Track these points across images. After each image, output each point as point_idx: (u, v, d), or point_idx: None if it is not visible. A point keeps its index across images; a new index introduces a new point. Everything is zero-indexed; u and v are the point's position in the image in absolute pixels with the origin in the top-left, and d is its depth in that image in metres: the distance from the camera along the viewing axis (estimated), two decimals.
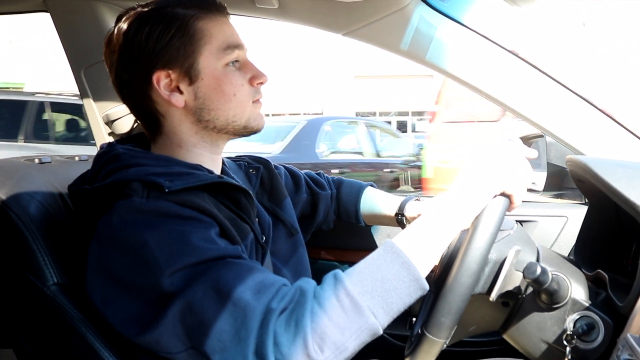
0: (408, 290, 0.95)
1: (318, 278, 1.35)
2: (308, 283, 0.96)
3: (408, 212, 1.47)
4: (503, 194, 1.02)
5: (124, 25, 1.10)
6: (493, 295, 1.04)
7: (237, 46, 1.13)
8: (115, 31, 1.11)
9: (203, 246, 0.96)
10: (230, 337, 0.90)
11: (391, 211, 1.51)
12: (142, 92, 1.11)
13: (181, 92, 1.11)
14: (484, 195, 1.02)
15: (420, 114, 29.33)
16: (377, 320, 0.92)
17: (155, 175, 1.03)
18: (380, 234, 1.78)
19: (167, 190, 1.00)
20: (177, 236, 0.96)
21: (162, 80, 1.09)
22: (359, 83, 27.96)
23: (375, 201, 1.56)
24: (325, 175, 1.62)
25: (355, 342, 0.91)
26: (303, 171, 1.58)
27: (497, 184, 1.01)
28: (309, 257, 1.40)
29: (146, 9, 1.11)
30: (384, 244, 0.99)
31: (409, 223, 1.45)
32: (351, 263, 1.74)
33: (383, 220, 1.55)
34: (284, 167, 1.53)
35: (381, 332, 0.94)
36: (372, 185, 1.61)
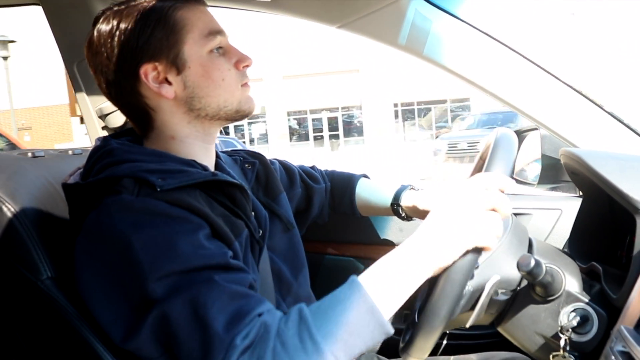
0: (372, 335, 0.93)
1: (313, 271, 1.35)
2: (273, 317, 0.94)
3: (404, 202, 1.47)
4: (475, 249, 0.98)
5: (103, 26, 1.09)
6: (469, 324, 1.05)
7: (219, 32, 1.13)
8: (95, 33, 1.10)
9: (189, 252, 0.95)
10: (199, 357, 0.91)
11: (386, 201, 1.51)
12: (130, 89, 1.11)
13: (170, 83, 1.10)
14: (455, 250, 0.97)
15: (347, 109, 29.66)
16: None
17: (148, 172, 1.02)
18: (378, 225, 1.79)
19: (158, 189, 1.00)
20: (163, 239, 0.96)
21: (149, 74, 1.08)
22: (288, 83, 28.21)
23: (369, 192, 1.56)
24: (319, 168, 1.62)
25: None
26: (297, 165, 1.58)
27: (470, 241, 0.97)
28: (305, 250, 1.40)
29: (122, 7, 1.10)
30: (350, 283, 0.96)
31: (405, 213, 1.47)
32: (354, 257, 1.75)
33: (379, 210, 1.55)
34: (279, 161, 1.53)
35: None
36: (365, 176, 1.61)
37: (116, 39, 1.07)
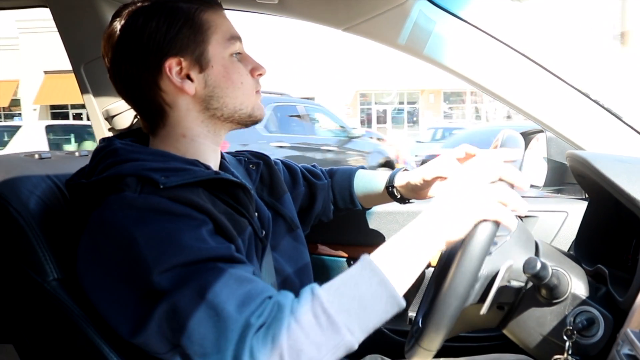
0: (385, 308, 0.94)
1: (317, 272, 1.35)
2: (286, 297, 0.95)
3: (397, 182, 1.50)
4: (489, 220, 0.96)
5: (128, 20, 1.11)
6: (483, 310, 1.04)
7: (238, 38, 1.17)
8: (118, 26, 1.12)
9: (193, 245, 0.96)
10: (211, 344, 0.90)
11: (382, 187, 1.53)
12: (150, 83, 1.12)
13: (192, 80, 1.12)
14: (462, 223, 0.97)
15: None
16: (354, 337, 0.92)
17: (151, 170, 1.03)
18: (375, 223, 1.79)
19: (161, 187, 1.01)
20: (167, 234, 0.96)
21: (173, 68, 1.11)
22: None
23: (366, 180, 1.58)
24: (319, 167, 1.64)
25: (331, 358, 0.91)
26: (299, 164, 1.59)
27: (477, 212, 0.96)
28: (309, 252, 1.41)
29: (147, 4, 1.12)
30: (361, 260, 0.97)
31: (400, 194, 1.50)
32: (349, 258, 1.75)
33: (377, 197, 1.57)
34: (281, 161, 1.54)
35: (357, 347, 0.93)
36: (363, 168, 1.63)
37: (143, 32, 1.10)
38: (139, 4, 1.13)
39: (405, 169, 1.52)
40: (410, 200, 1.55)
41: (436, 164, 1.40)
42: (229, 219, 1.08)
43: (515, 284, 1.10)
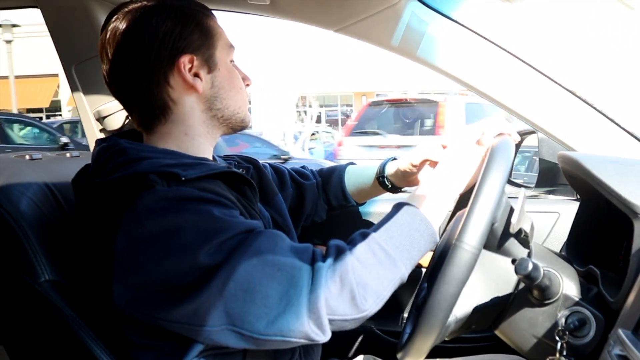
0: (426, 244, 1.06)
1: None
2: (340, 242, 1.03)
3: (387, 171, 1.52)
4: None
5: (135, 18, 1.13)
6: (514, 220, 1.05)
7: (234, 47, 1.23)
8: (124, 23, 1.13)
9: (233, 221, 1.01)
10: (276, 301, 0.94)
11: (373, 177, 1.54)
12: (160, 77, 1.14)
13: (200, 80, 1.16)
14: (471, 157, 1.15)
15: None
16: (406, 271, 1.04)
17: (168, 166, 1.05)
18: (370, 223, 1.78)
19: (183, 179, 1.03)
20: (207, 216, 0.99)
21: (186, 65, 1.14)
22: None
23: (357, 175, 1.59)
24: (309, 167, 1.64)
25: (391, 290, 1.02)
26: (288, 166, 1.59)
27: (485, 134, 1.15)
28: None
29: (154, 5, 1.15)
30: (399, 206, 1.09)
31: (391, 183, 1.52)
32: None
33: (370, 190, 1.58)
34: (269, 164, 1.54)
35: (406, 280, 1.04)
36: (352, 164, 1.63)
37: (158, 29, 1.13)
38: (143, 4, 1.15)
39: (394, 158, 1.52)
40: (402, 190, 1.55)
41: (423, 148, 1.41)
42: (245, 209, 1.13)
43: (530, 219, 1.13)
